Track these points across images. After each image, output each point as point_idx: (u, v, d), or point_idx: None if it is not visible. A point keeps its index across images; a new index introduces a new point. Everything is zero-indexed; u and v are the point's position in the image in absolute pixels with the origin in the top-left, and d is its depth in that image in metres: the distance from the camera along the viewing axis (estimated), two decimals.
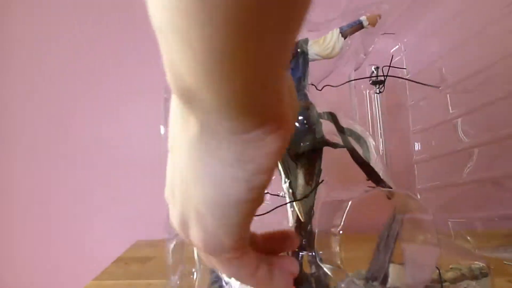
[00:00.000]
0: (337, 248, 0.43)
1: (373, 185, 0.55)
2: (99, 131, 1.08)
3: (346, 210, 0.42)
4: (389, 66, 0.62)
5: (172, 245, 0.58)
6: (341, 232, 0.43)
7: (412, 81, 0.59)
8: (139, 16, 0.99)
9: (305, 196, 0.51)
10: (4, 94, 1.11)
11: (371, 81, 0.74)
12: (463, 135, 0.63)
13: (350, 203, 0.42)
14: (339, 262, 0.43)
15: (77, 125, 1.09)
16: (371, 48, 0.72)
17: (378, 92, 0.73)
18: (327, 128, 0.56)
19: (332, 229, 0.45)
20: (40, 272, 1.05)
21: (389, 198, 0.55)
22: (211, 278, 0.56)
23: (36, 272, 1.05)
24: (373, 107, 0.77)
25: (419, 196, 0.73)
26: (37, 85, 1.10)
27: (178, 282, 0.57)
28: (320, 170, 0.54)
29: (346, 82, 0.60)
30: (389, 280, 0.56)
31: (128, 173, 1.06)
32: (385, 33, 0.71)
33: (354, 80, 0.67)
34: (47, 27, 1.11)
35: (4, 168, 1.08)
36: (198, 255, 0.59)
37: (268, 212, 0.50)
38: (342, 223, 0.43)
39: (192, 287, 0.57)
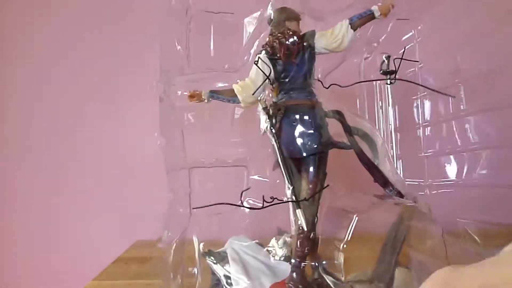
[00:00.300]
0: (341, 262, 0.42)
1: (380, 191, 0.52)
2: (99, 133, 1.08)
3: (350, 226, 0.41)
4: (401, 59, 0.58)
5: (174, 246, 0.57)
6: (345, 246, 0.41)
7: (424, 86, 0.55)
8: (138, 19, 0.98)
9: (306, 199, 0.49)
10: (4, 96, 1.10)
11: (381, 71, 0.70)
12: (473, 134, 0.60)
13: (354, 218, 0.41)
14: (342, 277, 0.42)
15: (78, 126, 1.09)
16: (383, 37, 0.68)
17: (389, 82, 0.69)
18: (334, 129, 0.54)
19: (336, 242, 0.43)
20: (40, 272, 1.07)
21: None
22: (213, 280, 0.56)
23: (36, 272, 1.07)
24: (383, 98, 0.73)
25: (428, 193, 0.70)
26: (38, 88, 1.10)
27: (180, 282, 0.57)
28: (325, 174, 0.52)
29: (354, 83, 0.56)
30: (394, 283, 0.55)
31: (127, 174, 1.07)
32: (398, 19, 0.67)
33: (363, 82, 0.63)
34: (47, 28, 1.10)
35: (4, 169, 1.09)
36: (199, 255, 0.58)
37: (262, 207, 0.47)
38: (346, 239, 0.41)
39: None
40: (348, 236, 0.42)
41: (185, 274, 0.57)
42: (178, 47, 0.61)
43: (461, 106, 0.64)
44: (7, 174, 1.08)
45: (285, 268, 0.53)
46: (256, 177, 0.64)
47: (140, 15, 0.98)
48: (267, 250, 0.55)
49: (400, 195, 0.54)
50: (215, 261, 0.55)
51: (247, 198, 0.64)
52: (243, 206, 0.44)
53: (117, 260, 0.85)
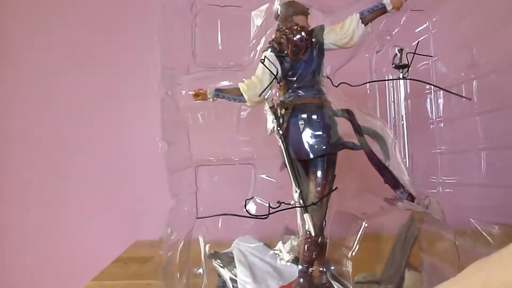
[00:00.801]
0: (349, 270, 0.40)
1: (391, 192, 0.50)
2: (99, 133, 1.08)
3: (359, 234, 0.39)
4: (414, 53, 0.55)
5: (180, 246, 0.56)
6: (353, 254, 0.40)
7: (438, 87, 0.53)
8: (141, 17, 0.96)
9: (314, 204, 0.47)
10: (5, 95, 1.09)
11: (393, 65, 0.67)
12: (488, 132, 0.57)
13: (363, 225, 0.39)
14: (350, 286, 0.40)
15: (77, 126, 1.08)
16: (396, 30, 0.65)
17: (402, 77, 0.66)
18: (343, 128, 0.51)
19: (344, 249, 0.41)
20: (40, 272, 1.07)
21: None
22: (219, 282, 0.55)
23: (36, 272, 1.07)
24: (396, 93, 0.71)
25: (441, 190, 0.68)
26: (38, 88, 1.09)
27: (186, 282, 0.56)
28: (334, 176, 0.50)
29: (365, 83, 0.54)
30: (404, 285, 0.53)
31: (127, 174, 1.07)
32: (412, 10, 0.64)
33: (374, 81, 0.61)
34: (48, 28, 1.08)
35: (4, 168, 1.09)
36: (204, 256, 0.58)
37: (268, 214, 0.46)
38: (354, 247, 0.39)
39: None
40: (357, 245, 0.40)
41: (191, 275, 0.56)
42: (183, 43, 0.59)
43: (475, 102, 0.61)
44: (7, 174, 1.08)
45: (293, 271, 0.53)
46: (263, 176, 0.63)
47: (142, 12, 0.96)
48: (274, 254, 0.54)
49: (411, 197, 0.52)
50: (221, 264, 0.54)
51: (254, 197, 0.63)
52: (248, 216, 0.43)
53: (116, 260, 0.86)
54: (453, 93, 0.50)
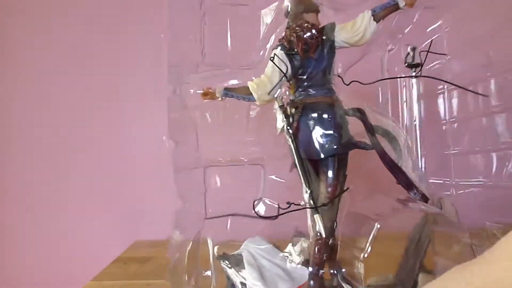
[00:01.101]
0: (361, 273, 0.39)
1: (403, 193, 0.49)
2: (99, 133, 1.08)
3: (372, 235, 0.38)
4: (428, 51, 0.54)
5: (189, 246, 0.56)
6: (365, 256, 0.39)
7: (455, 85, 0.52)
8: (142, 18, 0.96)
9: (325, 205, 0.46)
10: (5, 95, 1.10)
11: (406, 63, 0.66)
12: (503, 132, 0.56)
13: (376, 226, 0.38)
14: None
15: (77, 126, 1.08)
16: (408, 28, 0.64)
17: (415, 76, 0.65)
18: (354, 127, 0.51)
19: (356, 251, 0.41)
20: (40, 272, 1.07)
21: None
22: (228, 284, 0.54)
23: (36, 272, 1.08)
24: (408, 92, 0.70)
25: (454, 192, 0.67)
26: (39, 88, 1.09)
27: (194, 284, 0.55)
28: (345, 176, 0.49)
29: (377, 81, 0.53)
30: None
31: (127, 174, 1.07)
32: (425, 7, 0.63)
33: (386, 79, 0.60)
34: (49, 28, 1.09)
35: (4, 168, 1.09)
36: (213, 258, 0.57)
37: (277, 215, 0.46)
38: (366, 249, 0.38)
39: None
40: (369, 246, 0.39)
41: (199, 277, 0.56)
42: (192, 42, 0.59)
43: (492, 102, 0.60)
44: (7, 174, 1.09)
45: (303, 273, 0.52)
46: (273, 177, 0.62)
47: (142, 12, 0.97)
48: (284, 256, 0.53)
49: (425, 198, 0.51)
50: (230, 266, 0.54)
51: (263, 198, 0.63)
52: (257, 217, 0.42)
53: (116, 260, 0.86)
54: (469, 90, 0.49)
